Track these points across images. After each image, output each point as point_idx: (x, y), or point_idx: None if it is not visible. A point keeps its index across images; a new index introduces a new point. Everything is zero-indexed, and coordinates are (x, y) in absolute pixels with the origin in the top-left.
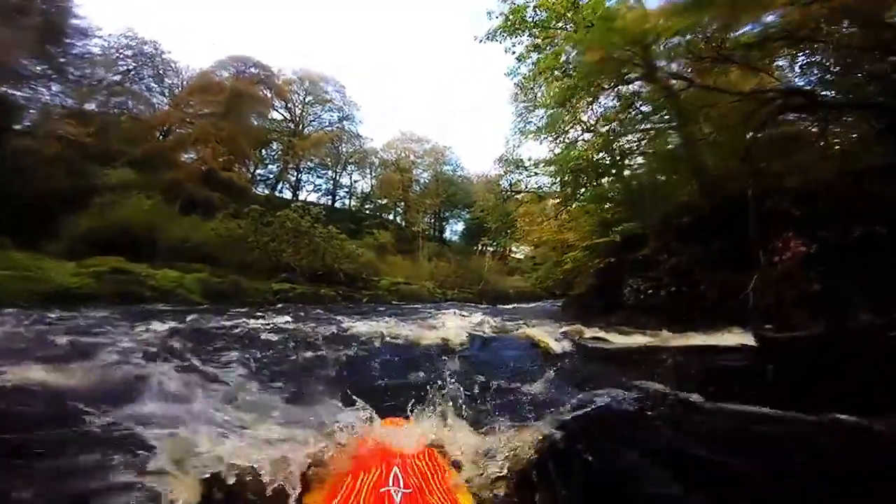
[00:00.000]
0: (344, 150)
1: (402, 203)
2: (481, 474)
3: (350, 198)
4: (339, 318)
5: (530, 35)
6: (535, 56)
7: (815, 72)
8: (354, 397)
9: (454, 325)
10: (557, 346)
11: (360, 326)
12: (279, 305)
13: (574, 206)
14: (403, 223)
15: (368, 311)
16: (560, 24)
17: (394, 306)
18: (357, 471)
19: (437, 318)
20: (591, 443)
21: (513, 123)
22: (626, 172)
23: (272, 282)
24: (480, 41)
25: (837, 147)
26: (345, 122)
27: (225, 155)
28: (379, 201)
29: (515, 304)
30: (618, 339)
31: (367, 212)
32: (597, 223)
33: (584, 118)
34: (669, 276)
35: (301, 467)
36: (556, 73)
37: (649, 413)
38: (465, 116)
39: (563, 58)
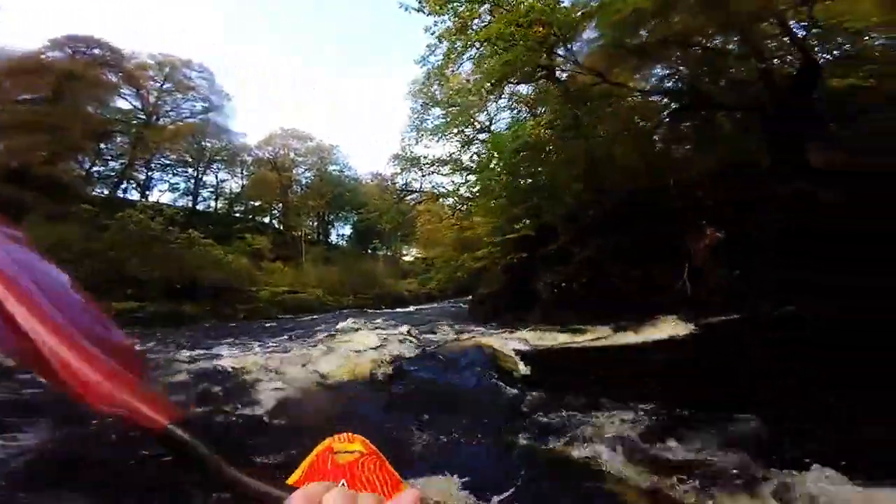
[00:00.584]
0: (209, 145)
1: (281, 205)
2: None
3: (216, 199)
4: (195, 350)
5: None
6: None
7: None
8: None
9: (370, 343)
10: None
11: (226, 358)
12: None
13: (481, 201)
14: (282, 227)
15: (246, 331)
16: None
17: (280, 321)
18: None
19: (341, 334)
20: None
21: (410, 120)
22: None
23: (112, 301)
24: (405, 9)
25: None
26: (211, 114)
27: (49, 147)
28: (252, 203)
29: (415, 307)
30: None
31: (238, 215)
32: (504, 219)
33: (483, 116)
34: (582, 269)
35: None
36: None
37: None
38: (354, 114)
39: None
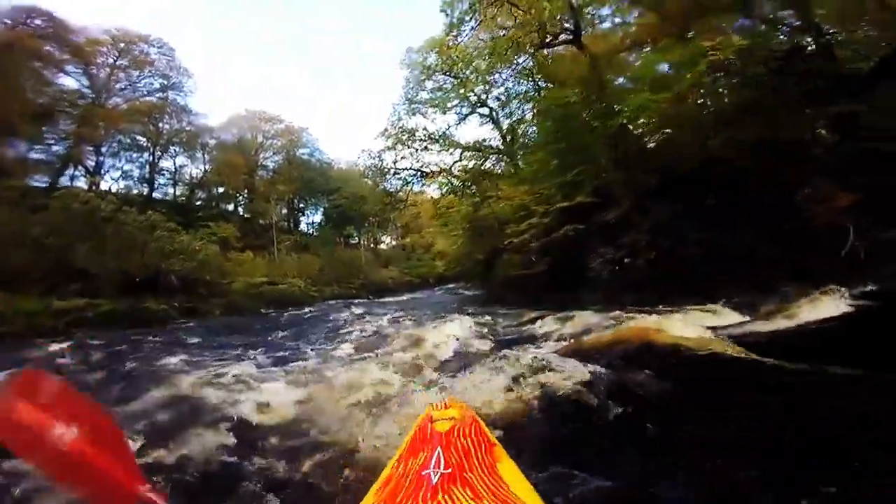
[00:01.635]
0: (167, 126)
1: (247, 191)
2: None
3: (175, 185)
4: (169, 359)
5: None
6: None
7: None
8: None
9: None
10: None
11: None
12: (65, 345)
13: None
14: (248, 214)
15: (241, 330)
16: None
17: (267, 317)
18: (407, 457)
19: (388, 336)
20: None
21: (403, 91)
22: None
23: (55, 298)
24: None
25: None
26: (170, 93)
27: None
28: (216, 189)
29: (408, 295)
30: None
31: (200, 203)
32: (554, 187)
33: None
34: (648, 241)
35: None
36: None
37: None
38: (327, 96)
39: None
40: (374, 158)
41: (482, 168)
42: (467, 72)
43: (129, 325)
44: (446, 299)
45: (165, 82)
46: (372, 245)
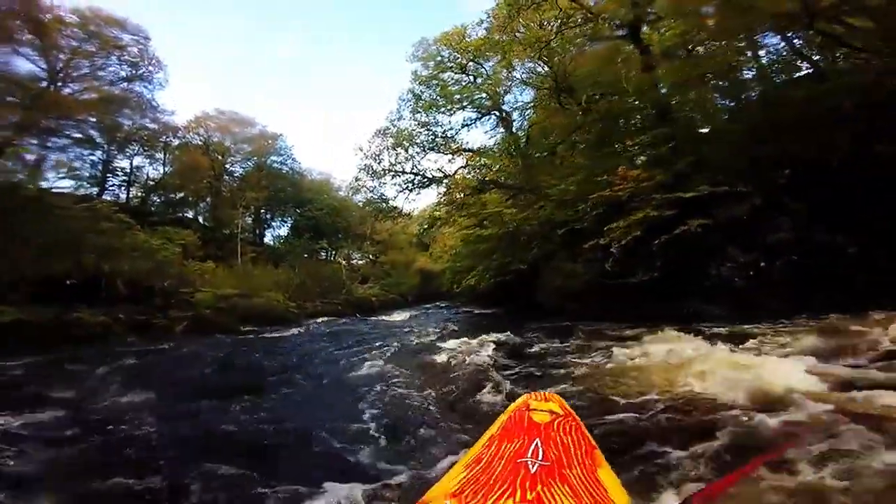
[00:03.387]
0: (127, 122)
1: (210, 197)
2: None
3: (129, 187)
4: None
5: None
6: None
7: None
8: None
9: None
10: None
11: None
12: None
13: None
14: (210, 223)
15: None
16: None
17: (253, 337)
18: (501, 440)
19: None
20: None
21: (409, 89)
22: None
23: None
24: None
25: None
26: (137, 84)
27: None
28: (176, 194)
29: (405, 314)
30: None
31: (156, 207)
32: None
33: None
34: (790, 242)
35: None
36: None
37: None
38: (306, 105)
39: None
40: (369, 159)
41: (488, 175)
42: (486, 68)
43: (48, 342)
44: (462, 318)
45: (134, 72)
46: (344, 261)
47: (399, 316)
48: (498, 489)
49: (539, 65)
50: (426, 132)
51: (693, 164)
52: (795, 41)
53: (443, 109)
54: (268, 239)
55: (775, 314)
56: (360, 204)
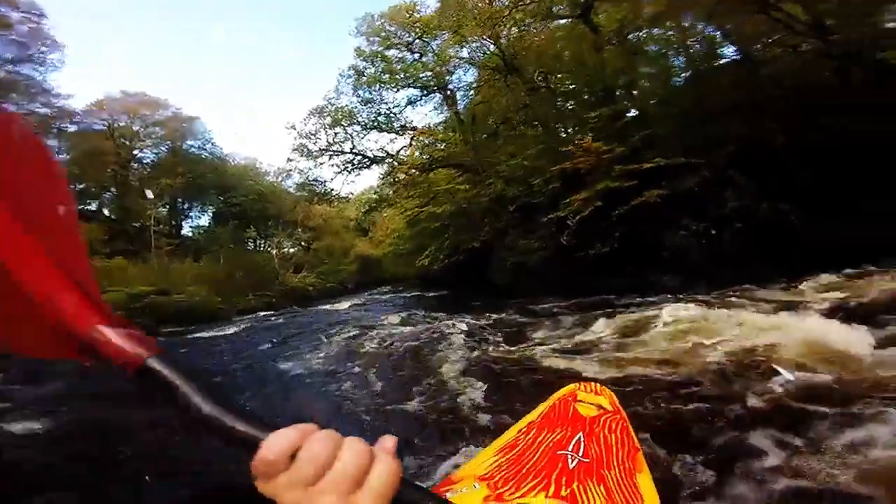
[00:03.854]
0: (12, 107)
1: (116, 187)
2: None
3: None
4: None
5: None
6: None
7: None
8: None
9: None
10: None
11: None
12: None
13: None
14: (117, 215)
15: None
16: None
17: (194, 344)
18: (541, 428)
19: None
20: None
21: (351, 66)
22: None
23: None
24: None
25: None
26: (25, 66)
27: None
28: (74, 185)
29: (349, 303)
30: None
31: None
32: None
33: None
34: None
35: None
36: None
37: None
38: (228, 89)
39: None
40: (304, 138)
41: (435, 153)
42: (432, 46)
43: None
44: (412, 302)
45: (22, 53)
46: (276, 250)
47: (342, 304)
48: (532, 479)
49: (488, 44)
50: (368, 110)
51: (645, 139)
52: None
53: (387, 87)
54: (186, 230)
55: (727, 282)
56: (292, 189)
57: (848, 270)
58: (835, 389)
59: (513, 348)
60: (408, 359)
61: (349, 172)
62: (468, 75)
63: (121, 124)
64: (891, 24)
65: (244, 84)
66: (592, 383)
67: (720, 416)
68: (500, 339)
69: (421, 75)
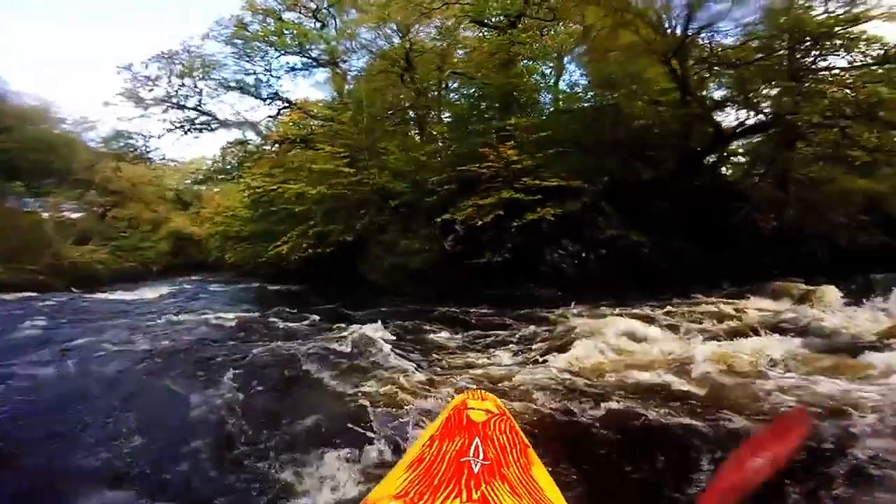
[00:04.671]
0: None
1: None
2: None
3: None
4: None
5: None
6: None
7: None
8: None
9: None
10: None
11: None
12: None
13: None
14: None
15: None
16: None
17: None
18: (442, 439)
19: None
20: None
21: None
22: None
23: None
24: None
25: None
26: None
27: None
28: None
29: (157, 290)
30: None
31: None
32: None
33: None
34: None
35: None
36: None
37: None
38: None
39: None
40: (138, 82)
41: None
42: (337, 21)
43: None
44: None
45: None
46: (52, 212)
47: (147, 293)
48: (444, 489)
49: (393, 34)
50: (236, 68)
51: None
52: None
53: (270, 49)
54: None
55: (595, 297)
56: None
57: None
58: None
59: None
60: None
61: (185, 132)
62: (360, 61)
63: None
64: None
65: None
66: (478, 391)
67: None
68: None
69: (314, 46)
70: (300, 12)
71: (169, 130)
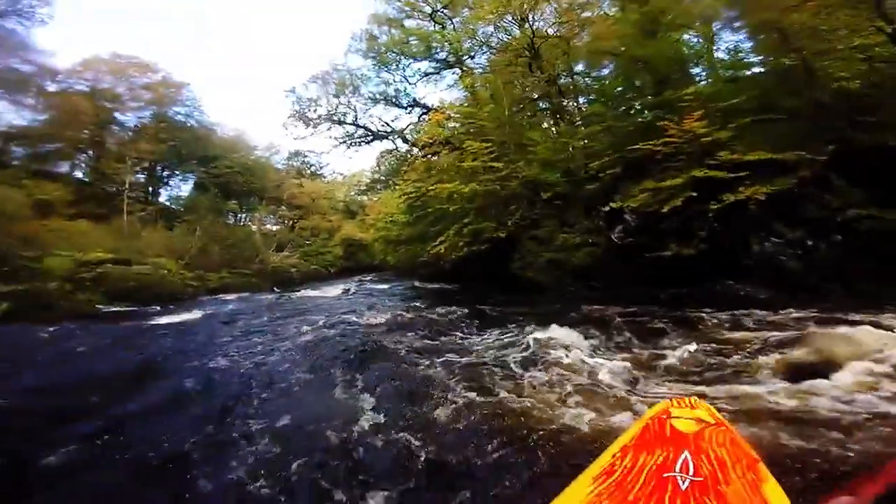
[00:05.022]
0: None
1: (93, 149)
2: None
3: None
4: None
5: None
6: None
7: None
8: None
9: None
10: None
11: None
12: None
13: None
14: (91, 178)
15: None
16: None
17: (137, 334)
18: (638, 450)
19: None
20: None
21: (364, 30)
22: None
23: None
24: None
25: None
26: (11, 19)
27: None
28: (47, 146)
29: (339, 288)
30: None
31: (18, 162)
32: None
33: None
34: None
35: None
36: None
37: None
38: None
39: None
40: (302, 104)
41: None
42: (453, 22)
43: None
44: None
45: (10, 6)
46: (257, 225)
47: (331, 291)
48: None
49: (512, 26)
50: (377, 80)
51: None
52: None
53: (401, 57)
54: (164, 199)
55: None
56: (279, 166)
57: None
58: None
59: None
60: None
61: (348, 147)
62: (481, 58)
63: (104, 86)
64: None
65: (242, 52)
66: (686, 398)
67: None
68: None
69: (439, 48)
70: (418, 18)
71: (334, 147)
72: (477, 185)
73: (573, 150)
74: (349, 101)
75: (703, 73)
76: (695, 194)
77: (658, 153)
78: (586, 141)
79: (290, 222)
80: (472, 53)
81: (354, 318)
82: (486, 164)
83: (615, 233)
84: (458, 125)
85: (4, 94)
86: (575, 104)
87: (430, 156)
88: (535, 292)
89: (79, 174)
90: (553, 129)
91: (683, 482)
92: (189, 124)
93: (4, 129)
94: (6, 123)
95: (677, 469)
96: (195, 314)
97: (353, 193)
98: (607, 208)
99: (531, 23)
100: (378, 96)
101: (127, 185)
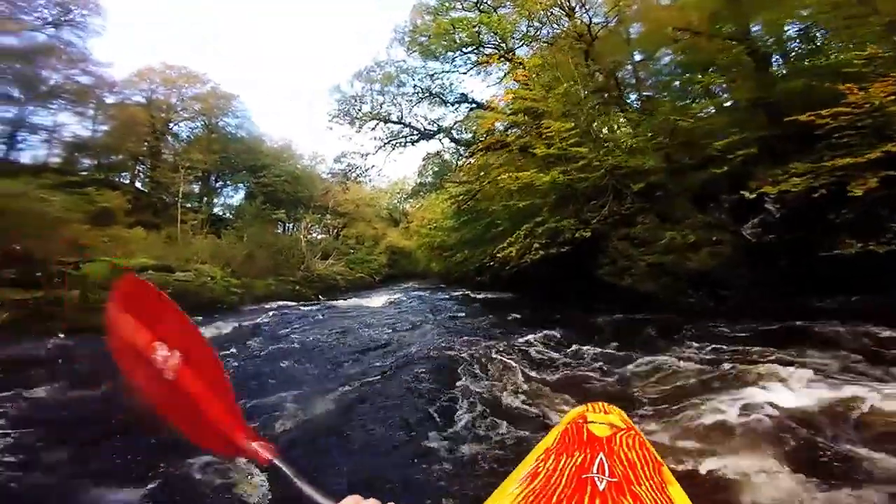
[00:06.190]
0: (53, 74)
1: (151, 159)
2: None
3: (49, 146)
4: None
5: None
6: None
7: None
8: None
9: None
10: None
11: None
12: None
13: None
14: (148, 188)
15: None
16: None
17: None
18: (559, 453)
19: None
20: None
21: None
22: None
23: None
24: None
25: None
26: (66, 30)
27: None
28: (109, 158)
29: (385, 298)
30: None
31: (85, 172)
32: None
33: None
34: None
35: None
36: None
37: None
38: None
39: None
40: (346, 103)
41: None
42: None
43: None
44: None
45: (62, 16)
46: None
47: (377, 300)
48: None
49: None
50: (422, 73)
51: None
52: None
53: (446, 49)
54: (217, 209)
55: None
56: (324, 175)
57: None
58: None
59: None
60: None
61: (393, 147)
62: (530, 48)
63: (158, 96)
64: None
65: (249, 55)
66: (599, 403)
67: None
68: None
69: (487, 35)
70: (463, 9)
71: (379, 148)
72: (557, 174)
73: (675, 130)
74: (394, 98)
75: None
76: (892, 173)
77: (822, 127)
78: (692, 119)
79: (335, 230)
80: (522, 44)
81: (442, 352)
82: (563, 150)
83: (748, 228)
84: (517, 116)
85: (67, 106)
86: (640, 96)
87: (484, 150)
88: (633, 303)
89: (138, 184)
90: (621, 117)
91: (601, 483)
92: (240, 135)
93: (71, 139)
94: (71, 133)
95: (594, 470)
96: (238, 324)
97: (395, 201)
98: (736, 197)
99: (583, 11)
100: (423, 92)
101: (180, 195)
